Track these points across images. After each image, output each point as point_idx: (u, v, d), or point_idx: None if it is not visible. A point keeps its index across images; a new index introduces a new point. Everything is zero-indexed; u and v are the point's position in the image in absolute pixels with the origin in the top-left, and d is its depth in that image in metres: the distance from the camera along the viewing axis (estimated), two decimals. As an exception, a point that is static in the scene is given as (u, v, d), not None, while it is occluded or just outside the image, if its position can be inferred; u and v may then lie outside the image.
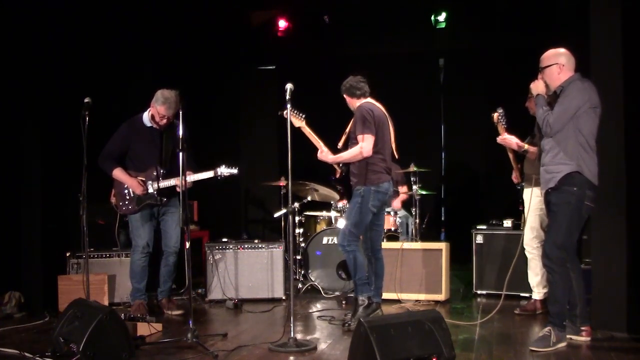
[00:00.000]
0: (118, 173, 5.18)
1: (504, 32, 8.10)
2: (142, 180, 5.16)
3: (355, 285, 4.85)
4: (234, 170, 5.14)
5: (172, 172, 5.17)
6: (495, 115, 4.80)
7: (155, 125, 5.19)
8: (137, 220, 5.23)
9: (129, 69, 6.61)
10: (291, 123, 4.56)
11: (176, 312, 5.31)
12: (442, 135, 8.94)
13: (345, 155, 4.80)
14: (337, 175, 5.06)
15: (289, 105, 4.28)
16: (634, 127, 4.50)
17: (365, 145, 4.67)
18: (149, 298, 5.38)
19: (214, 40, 8.30)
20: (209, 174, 5.12)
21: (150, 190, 5.17)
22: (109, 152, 5.19)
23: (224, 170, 5.12)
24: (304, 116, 4.71)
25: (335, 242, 6.12)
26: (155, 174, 5.17)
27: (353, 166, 4.81)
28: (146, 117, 5.21)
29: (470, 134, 8.54)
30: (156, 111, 5.09)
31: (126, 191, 5.21)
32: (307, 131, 4.78)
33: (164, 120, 5.14)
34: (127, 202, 5.21)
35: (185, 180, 4.47)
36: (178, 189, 5.11)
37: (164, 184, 5.15)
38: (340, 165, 4.94)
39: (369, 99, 4.89)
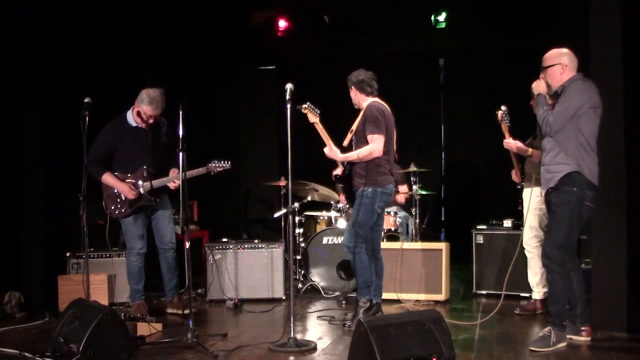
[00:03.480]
0: (107, 178, 5.08)
1: (504, 32, 8.11)
2: (132, 183, 5.09)
3: (358, 287, 4.85)
4: (227, 165, 5.10)
5: (161, 172, 5.13)
6: (500, 113, 4.75)
7: (141, 125, 5.11)
8: (129, 223, 5.16)
9: (129, 69, 6.59)
10: (305, 117, 4.55)
11: (186, 311, 5.24)
12: (442, 135, 8.95)
13: (354, 155, 4.76)
14: (340, 173, 5.04)
15: (288, 102, 4.26)
16: (634, 127, 4.50)
17: (376, 145, 4.66)
18: (152, 299, 5.36)
19: (214, 40, 8.30)
20: (201, 171, 5.08)
21: (142, 191, 5.10)
22: (96, 156, 5.02)
23: (216, 166, 5.08)
24: (319, 112, 4.68)
25: (336, 242, 6.13)
26: (145, 174, 5.08)
27: (358, 166, 4.77)
28: (131, 116, 5.11)
29: (470, 134, 8.56)
30: (142, 111, 5.01)
31: (117, 193, 5.13)
32: (320, 128, 4.73)
33: (151, 120, 5.07)
34: (119, 206, 5.12)
35: (185, 180, 4.46)
36: (171, 185, 5.08)
37: (157, 183, 5.09)
38: (345, 163, 4.93)
39: (377, 99, 4.88)
